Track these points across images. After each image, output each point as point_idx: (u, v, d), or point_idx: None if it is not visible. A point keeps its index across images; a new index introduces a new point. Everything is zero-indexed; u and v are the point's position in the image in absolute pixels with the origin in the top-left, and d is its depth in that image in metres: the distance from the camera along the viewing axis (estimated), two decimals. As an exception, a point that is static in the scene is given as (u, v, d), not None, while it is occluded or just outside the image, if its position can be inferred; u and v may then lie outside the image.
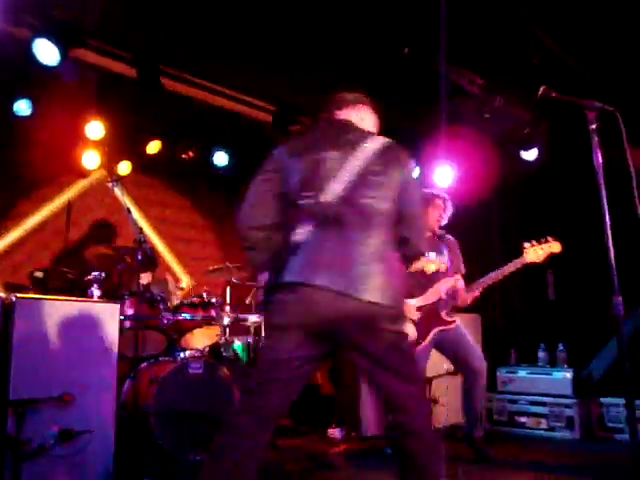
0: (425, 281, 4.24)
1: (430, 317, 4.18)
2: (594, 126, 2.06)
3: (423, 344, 4.16)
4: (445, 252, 4.33)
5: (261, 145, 5.71)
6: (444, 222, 4.33)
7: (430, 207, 4.29)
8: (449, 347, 4.20)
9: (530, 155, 5.02)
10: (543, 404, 4.99)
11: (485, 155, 5.51)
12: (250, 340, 4.90)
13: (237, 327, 4.91)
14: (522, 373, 5.21)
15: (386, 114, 5.19)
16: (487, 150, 5.44)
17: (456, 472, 3.68)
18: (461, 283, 4.24)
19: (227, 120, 5.57)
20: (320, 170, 2.09)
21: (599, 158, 2.05)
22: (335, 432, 4.92)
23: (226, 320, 4.56)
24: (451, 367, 5.10)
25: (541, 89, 2.15)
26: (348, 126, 2.23)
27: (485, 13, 4.02)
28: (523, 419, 5.12)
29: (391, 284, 1.99)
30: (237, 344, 4.93)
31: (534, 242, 3.88)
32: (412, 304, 4.22)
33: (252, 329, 4.86)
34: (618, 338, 1.96)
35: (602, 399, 4.78)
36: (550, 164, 5.08)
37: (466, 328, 5.45)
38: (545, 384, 4.87)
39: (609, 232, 2.01)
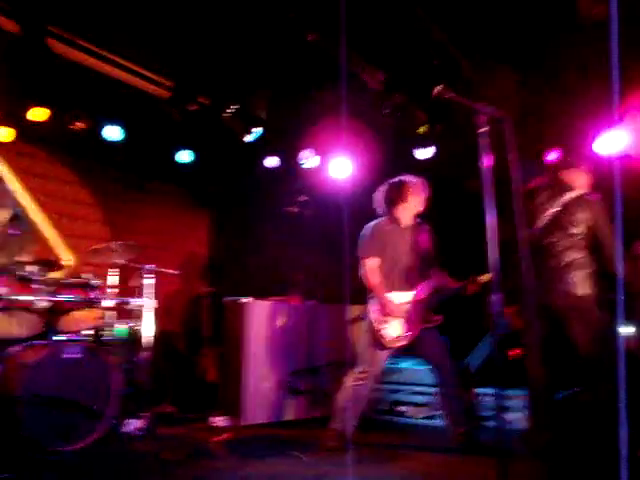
0: (412, 276, 4.26)
1: (415, 314, 4.19)
2: (484, 129, 2.14)
3: (404, 342, 4.17)
4: (423, 243, 4.36)
5: (156, 121, 5.52)
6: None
7: (412, 193, 4.27)
8: (425, 345, 4.21)
9: (424, 154, 5.17)
10: (423, 394, 5.19)
11: (381, 150, 5.62)
12: (133, 324, 4.70)
13: (120, 311, 4.69)
14: (405, 364, 5.39)
15: (287, 100, 5.17)
16: (383, 145, 5.55)
17: (338, 459, 3.75)
18: (445, 279, 4.31)
19: (122, 92, 5.27)
20: None
21: (486, 161, 2.13)
22: (218, 420, 4.85)
23: (108, 303, 4.33)
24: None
25: (437, 88, 2.20)
26: None
27: (391, 11, 4.08)
28: (403, 408, 5.31)
29: None
30: (119, 328, 4.71)
31: None
32: (401, 300, 4.22)
33: (136, 313, 4.65)
34: (493, 334, 2.05)
35: (476, 389, 5.06)
36: (443, 164, 5.27)
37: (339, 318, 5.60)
38: (426, 375, 5.05)
39: (491, 234, 2.09)
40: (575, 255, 3.58)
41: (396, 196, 4.27)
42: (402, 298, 4.17)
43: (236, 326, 5.07)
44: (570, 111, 4.62)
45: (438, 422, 4.88)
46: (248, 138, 5.37)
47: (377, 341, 4.13)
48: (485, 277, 4.02)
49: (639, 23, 3.61)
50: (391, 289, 4.16)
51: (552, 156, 5.32)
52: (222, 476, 3.49)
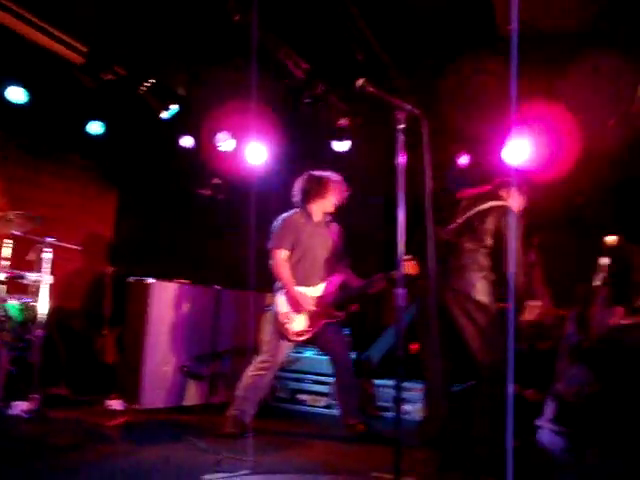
0: (321, 272, 4.25)
1: (321, 309, 4.19)
2: (402, 126, 2.17)
3: (308, 335, 4.16)
4: (333, 240, 4.35)
5: (67, 88, 5.21)
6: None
7: (332, 191, 4.26)
8: (325, 338, 4.23)
9: (342, 146, 5.21)
10: (324, 383, 5.27)
11: (299, 139, 5.62)
12: (27, 300, 4.43)
13: (13, 285, 4.41)
14: (308, 353, 5.44)
15: (207, 80, 5.04)
16: (302, 135, 5.55)
17: (236, 446, 3.73)
18: (350, 277, 4.33)
19: (28, 52, 4.92)
20: None
21: (401, 157, 2.17)
22: (114, 403, 4.69)
23: (0, 276, 4.06)
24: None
25: (359, 81, 2.21)
26: None
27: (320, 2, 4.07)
28: (304, 397, 5.36)
29: None
30: (11, 303, 4.42)
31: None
32: (308, 295, 4.19)
33: (31, 288, 4.39)
34: (397, 327, 2.10)
35: (376, 381, 5.20)
36: (360, 158, 5.35)
37: (261, 305, 5.57)
38: (327, 365, 5.12)
39: (401, 231, 2.13)
40: (479, 259, 3.64)
41: (315, 191, 4.26)
42: (309, 293, 4.19)
43: (139, 307, 4.91)
44: (483, 119, 4.80)
45: (337, 411, 4.96)
46: (164, 115, 5.19)
47: (281, 333, 4.14)
48: (396, 274, 4.10)
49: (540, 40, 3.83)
50: (299, 283, 4.18)
51: (463, 159, 5.55)
52: (114, 461, 3.36)
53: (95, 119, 5.69)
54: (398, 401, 2.12)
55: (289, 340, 4.18)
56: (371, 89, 2.22)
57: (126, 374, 4.91)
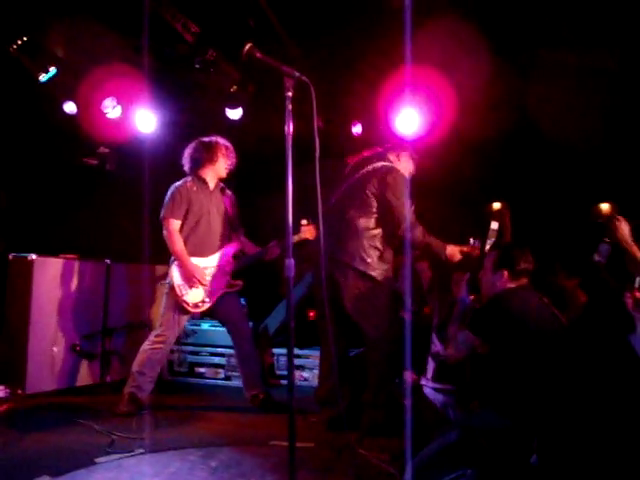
0: (216, 240, 4.14)
1: (218, 279, 4.10)
2: (290, 93, 2.13)
3: (207, 305, 4.08)
4: (227, 207, 4.22)
5: None
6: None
7: (222, 155, 4.16)
8: (224, 309, 4.17)
9: (234, 114, 5.09)
10: (222, 355, 5.23)
11: (191, 106, 5.42)
12: None
13: None
14: (205, 326, 5.36)
15: (88, 41, 4.71)
16: (194, 100, 5.36)
17: (131, 425, 3.63)
18: (247, 244, 4.28)
19: None
20: None
21: (290, 126, 2.13)
22: (-4, 390, 4.40)
23: None
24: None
25: (246, 47, 2.14)
26: None
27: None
28: (203, 369, 5.30)
29: None
30: None
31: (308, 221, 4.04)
32: (203, 266, 4.06)
33: None
34: (287, 297, 2.10)
35: (274, 350, 5.23)
36: (252, 125, 5.25)
37: (154, 279, 5.42)
38: (225, 337, 5.07)
39: (290, 200, 2.11)
40: (363, 226, 3.63)
41: (205, 156, 4.17)
42: (204, 263, 4.11)
43: (22, 285, 4.59)
44: (373, 88, 4.85)
45: (236, 383, 4.97)
46: (42, 77, 4.79)
47: (178, 305, 4.05)
48: (297, 237, 4.09)
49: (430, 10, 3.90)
50: (193, 253, 4.08)
51: (357, 128, 5.60)
52: (-2, 452, 3.16)
53: (-40, 81, 5.16)
54: (290, 369, 2.12)
55: (187, 312, 4.09)
56: (258, 55, 2.16)
57: (9, 357, 4.59)
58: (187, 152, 4.22)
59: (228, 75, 4.73)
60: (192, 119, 5.59)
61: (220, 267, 4.16)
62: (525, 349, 2.71)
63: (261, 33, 4.31)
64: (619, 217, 3.09)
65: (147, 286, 5.37)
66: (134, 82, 4.96)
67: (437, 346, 3.54)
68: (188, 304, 4.04)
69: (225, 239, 4.23)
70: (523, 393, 2.65)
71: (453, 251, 3.66)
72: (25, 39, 4.46)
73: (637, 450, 2.26)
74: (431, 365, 3.54)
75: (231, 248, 4.24)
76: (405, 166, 3.89)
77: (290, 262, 2.08)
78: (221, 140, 4.23)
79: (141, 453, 3.16)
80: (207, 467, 2.96)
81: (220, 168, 4.21)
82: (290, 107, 2.13)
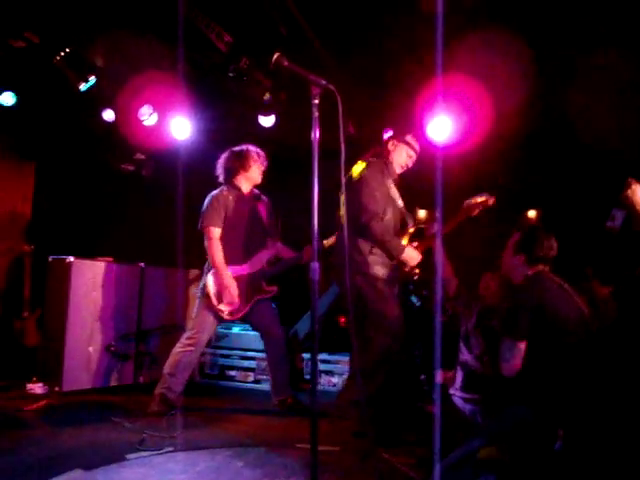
0: (251, 247, 4.23)
1: (251, 286, 4.17)
2: (316, 101, 2.18)
3: (241, 314, 4.16)
4: (262, 214, 4.31)
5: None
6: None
7: (254, 162, 4.25)
8: (257, 314, 4.24)
9: (267, 122, 5.17)
10: (252, 359, 5.29)
11: (225, 114, 5.52)
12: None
13: None
14: (235, 330, 5.44)
15: (126, 52, 4.85)
16: (227, 109, 5.46)
17: (162, 424, 3.71)
18: (283, 250, 4.36)
19: None
20: None
21: (316, 132, 2.18)
22: (35, 387, 4.56)
23: None
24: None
25: (274, 55, 2.19)
26: None
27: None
28: (233, 372, 5.37)
29: None
30: None
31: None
32: (238, 274, 4.15)
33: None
34: (312, 301, 2.13)
35: (304, 355, 5.27)
36: (285, 133, 5.32)
37: (187, 283, 5.52)
38: (255, 340, 5.15)
39: (316, 205, 2.15)
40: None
41: (238, 165, 4.24)
42: (239, 271, 4.17)
43: (60, 287, 4.75)
44: (406, 94, 4.87)
45: (265, 386, 5.02)
46: (82, 86, 4.97)
47: (211, 311, 4.12)
48: (327, 242, 4.15)
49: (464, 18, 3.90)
50: (229, 261, 4.14)
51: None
52: (33, 447, 3.27)
53: (6, 89, 5.37)
54: (314, 374, 2.15)
55: (222, 319, 4.17)
56: (285, 63, 2.21)
57: (48, 356, 4.76)
58: (220, 162, 4.31)
59: (261, 83, 4.82)
60: (226, 126, 5.69)
61: (255, 273, 4.22)
62: (546, 338, 2.69)
63: (294, 42, 4.37)
64: (635, 181, 2.91)
65: (180, 289, 5.49)
66: (170, 90, 5.10)
67: (465, 355, 3.53)
68: (223, 312, 4.12)
69: (260, 245, 4.29)
70: (548, 382, 2.64)
71: (410, 255, 3.71)
72: (67, 51, 4.63)
73: None
74: (459, 374, 3.53)
75: (266, 254, 4.29)
76: (397, 158, 3.92)
77: (315, 265, 2.11)
78: (252, 147, 4.29)
79: (170, 451, 3.23)
80: (234, 467, 3.01)
81: (254, 175, 4.28)
82: (317, 114, 2.18)
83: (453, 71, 4.29)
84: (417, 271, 3.84)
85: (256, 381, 5.27)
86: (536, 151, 5.29)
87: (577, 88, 4.68)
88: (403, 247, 3.70)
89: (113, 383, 4.95)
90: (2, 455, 3.11)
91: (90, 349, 4.80)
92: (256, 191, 4.37)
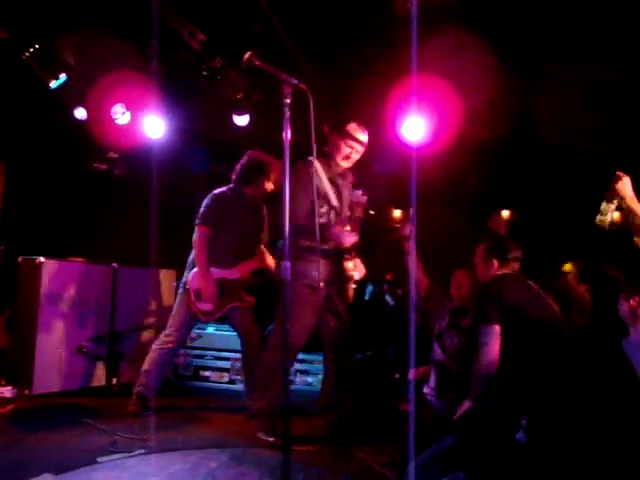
0: (240, 254, 4.19)
1: (229, 291, 4.13)
2: (288, 100, 2.18)
3: (216, 315, 4.14)
4: (259, 223, 4.30)
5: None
6: None
7: (271, 177, 4.19)
8: (234, 321, 4.23)
9: (241, 121, 5.15)
10: (226, 359, 5.27)
11: (198, 113, 5.49)
12: None
13: None
14: (210, 330, 5.41)
15: (98, 48, 4.79)
16: (201, 108, 5.43)
17: (135, 425, 3.68)
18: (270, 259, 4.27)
19: None
20: None
21: (288, 132, 2.18)
22: (4, 390, 4.46)
23: None
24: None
25: (246, 54, 2.19)
26: None
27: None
28: (207, 373, 5.34)
29: None
30: None
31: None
32: (220, 276, 4.11)
33: None
34: (282, 299, 2.13)
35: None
36: (259, 131, 5.31)
37: (161, 282, 5.47)
38: (230, 340, 5.12)
39: (287, 204, 2.15)
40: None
41: (253, 176, 4.18)
42: (223, 274, 4.15)
43: (30, 287, 4.67)
44: (379, 95, 4.89)
45: (240, 386, 5.01)
46: (53, 84, 4.89)
47: (190, 310, 4.10)
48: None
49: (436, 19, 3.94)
50: (215, 262, 4.11)
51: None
52: (3, 451, 3.21)
53: (-26, 87, 5.27)
54: (285, 373, 2.16)
55: (197, 318, 4.15)
56: (257, 62, 2.20)
57: (17, 358, 4.67)
58: (241, 163, 4.23)
59: (235, 82, 4.80)
60: (200, 125, 5.67)
61: (237, 280, 4.19)
62: (517, 333, 2.77)
63: (267, 41, 4.37)
64: (624, 173, 2.86)
65: (154, 290, 5.44)
66: (143, 89, 5.05)
67: (438, 355, 3.56)
68: (199, 310, 4.10)
69: (249, 254, 4.27)
70: (515, 376, 2.70)
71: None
72: (37, 47, 4.55)
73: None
74: (433, 374, 3.56)
75: (252, 264, 4.27)
76: (336, 152, 3.69)
77: (286, 264, 2.11)
78: (274, 162, 4.17)
79: (143, 453, 3.20)
80: (207, 468, 3.00)
81: (262, 189, 4.23)
82: (288, 114, 2.18)
83: (425, 72, 4.33)
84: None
85: (231, 381, 5.25)
86: (507, 151, 5.36)
87: (545, 90, 4.77)
88: None
89: (86, 385, 4.88)
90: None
91: (61, 351, 4.73)
92: (259, 199, 4.33)
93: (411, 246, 3.65)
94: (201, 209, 4.15)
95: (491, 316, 2.86)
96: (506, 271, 3.08)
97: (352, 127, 3.67)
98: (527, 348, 2.78)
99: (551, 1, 4.05)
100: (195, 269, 4.11)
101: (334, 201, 3.61)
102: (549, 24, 4.27)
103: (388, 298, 5.25)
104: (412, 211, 3.66)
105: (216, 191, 4.22)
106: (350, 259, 3.57)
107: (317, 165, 3.51)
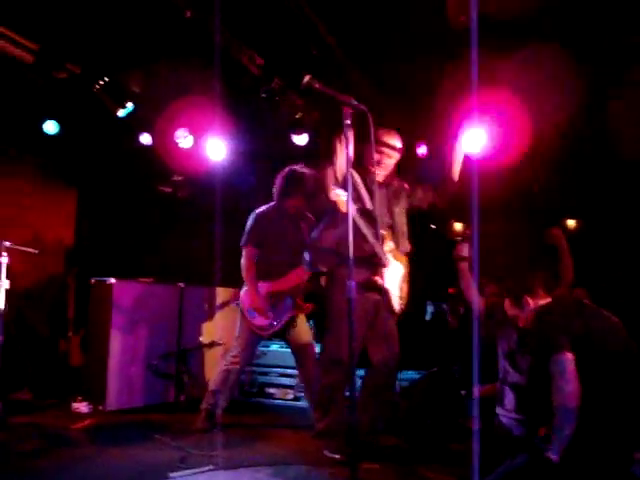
0: (289, 266, 4.25)
1: (282, 303, 4.21)
2: (348, 121, 2.21)
3: (274, 329, 4.20)
4: (304, 232, 4.35)
5: (18, 87, 5.11)
6: None
7: (310, 191, 4.24)
8: (292, 332, 4.27)
9: (300, 140, 5.23)
10: (291, 376, 5.31)
11: (258, 134, 5.62)
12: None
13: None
14: (274, 347, 5.47)
15: (162, 77, 4.99)
16: (261, 129, 5.55)
17: (203, 442, 3.75)
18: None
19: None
20: None
21: (350, 151, 2.21)
22: (80, 406, 4.66)
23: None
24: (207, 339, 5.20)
25: (305, 78, 2.24)
26: None
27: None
28: (272, 390, 5.39)
29: None
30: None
31: None
32: (270, 290, 4.20)
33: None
34: (348, 318, 2.14)
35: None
36: (319, 151, 5.37)
37: (226, 301, 5.58)
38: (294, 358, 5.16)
39: (350, 223, 2.18)
40: None
41: (291, 189, 4.25)
42: (272, 287, 4.22)
43: (103, 307, 4.87)
44: (436, 109, 4.87)
45: (304, 403, 5.02)
46: (121, 113, 5.13)
47: (249, 328, 4.19)
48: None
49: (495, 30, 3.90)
50: (265, 277, 4.20)
51: (421, 149, 5.62)
52: (80, 464, 3.36)
53: (50, 118, 5.59)
54: (352, 391, 2.16)
55: (257, 335, 4.22)
56: (317, 86, 2.25)
57: (92, 376, 4.87)
58: (279, 178, 4.31)
59: (293, 102, 4.89)
60: (260, 146, 5.79)
61: (290, 290, 4.25)
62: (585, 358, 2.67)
63: (324, 61, 4.43)
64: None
65: (218, 308, 5.56)
66: (204, 113, 5.21)
67: (514, 376, 3.42)
68: (256, 327, 4.17)
69: (296, 265, 4.30)
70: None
71: None
72: (106, 79, 4.79)
73: None
74: (510, 396, 3.44)
75: (301, 273, 4.31)
76: (367, 161, 3.65)
77: (351, 284, 2.13)
78: (312, 175, 4.22)
79: (212, 469, 3.26)
80: (275, 484, 3.03)
81: (303, 202, 4.30)
82: (349, 134, 2.21)
83: (488, 84, 4.28)
84: None
85: (295, 398, 5.29)
86: (574, 160, 5.21)
87: (617, 102, 4.62)
88: None
89: (155, 401, 5.02)
90: (52, 471, 3.21)
91: (132, 369, 4.89)
92: (302, 213, 4.39)
93: (467, 267, 3.57)
94: (245, 230, 4.26)
95: (559, 344, 2.74)
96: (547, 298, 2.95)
97: (379, 133, 3.67)
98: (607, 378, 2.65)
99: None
100: (244, 288, 4.21)
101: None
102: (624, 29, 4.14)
103: (448, 316, 5.16)
104: (470, 231, 3.58)
105: (257, 210, 4.32)
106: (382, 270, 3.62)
107: (355, 176, 3.54)
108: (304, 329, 4.34)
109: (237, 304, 4.31)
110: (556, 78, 4.46)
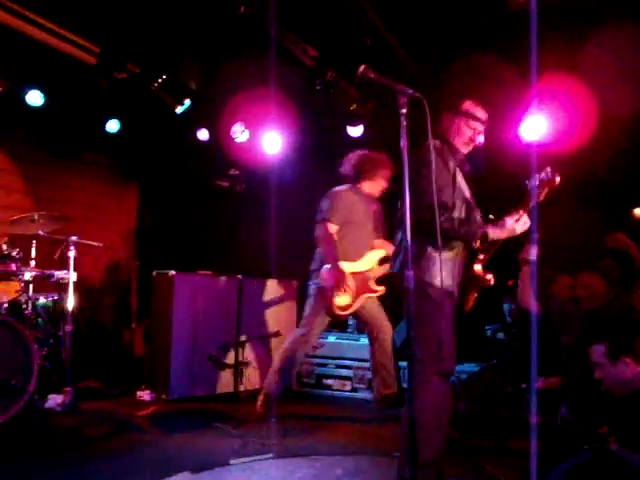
0: (365, 247, 4.32)
1: (361, 283, 4.26)
2: (404, 110, 2.19)
3: (353, 309, 4.24)
4: (377, 216, 4.42)
5: (82, 88, 5.31)
6: None
7: (381, 177, 4.33)
8: (367, 311, 4.34)
9: (356, 131, 5.22)
10: (349, 367, 5.32)
11: (313, 126, 5.64)
12: (56, 297, 4.57)
13: (42, 283, 4.55)
14: (332, 339, 5.49)
15: (218, 73, 5.07)
16: (316, 121, 5.57)
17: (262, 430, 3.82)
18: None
19: (44, 56, 5.02)
20: None
21: (404, 141, 2.18)
22: (144, 394, 4.82)
23: (28, 275, 4.19)
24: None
25: (360, 68, 2.22)
26: None
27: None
28: (330, 381, 5.42)
29: None
30: (41, 301, 4.57)
31: None
32: (350, 270, 4.22)
33: (59, 286, 4.52)
34: (407, 309, 2.13)
35: (400, 363, 5.22)
36: (374, 141, 5.34)
37: (282, 293, 5.64)
38: (351, 349, 5.19)
39: (407, 211, 2.15)
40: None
41: (366, 170, 4.30)
42: (353, 268, 4.23)
43: (164, 299, 5.01)
44: (494, 96, 4.74)
45: (362, 394, 5.04)
46: (179, 109, 5.26)
47: (325, 307, 4.17)
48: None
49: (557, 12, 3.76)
50: (343, 257, 4.19)
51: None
52: (146, 449, 3.49)
53: (112, 117, 5.78)
54: (410, 385, 2.14)
55: (332, 314, 4.21)
56: (372, 75, 2.23)
57: (154, 366, 5.03)
58: (350, 161, 4.36)
59: (348, 94, 4.88)
60: (315, 138, 5.81)
61: (365, 272, 4.28)
62: None
63: (378, 50, 4.40)
64: None
65: (275, 299, 5.63)
66: (260, 107, 5.27)
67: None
68: (335, 306, 4.16)
69: (371, 247, 4.36)
70: None
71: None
72: (164, 77, 4.91)
73: None
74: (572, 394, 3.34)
75: (377, 254, 4.35)
76: (457, 134, 2.98)
77: (409, 274, 2.11)
78: (385, 161, 4.30)
79: (271, 457, 3.32)
80: (332, 474, 3.05)
81: (376, 187, 4.35)
82: (404, 123, 2.18)
83: (552, 69, 4.14)
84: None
85: (353, 390, 5.29)
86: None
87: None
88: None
89: (215, 391, 5.14)
90: (120, 455, 3.36)
91: (193, 359, 5.02)
92: (374, 195, 4.43)
93: (530, 271, 3.45)
94: (322, 207, 4.25)
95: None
96: None
97: (469, 104, 2.97)
98: None
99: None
100: (326, 266, 4.17)
101: (467, 192, 2.95)
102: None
103: (506, 307, 5.02)
104: (536, 236, 3.32)
105: (335, 189, 4.32)
106: (481, 262, 2.92)
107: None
108: (377, 308, 4.38)
109: (316, 284, 4.25)
110: (625, 61, 4.28)
